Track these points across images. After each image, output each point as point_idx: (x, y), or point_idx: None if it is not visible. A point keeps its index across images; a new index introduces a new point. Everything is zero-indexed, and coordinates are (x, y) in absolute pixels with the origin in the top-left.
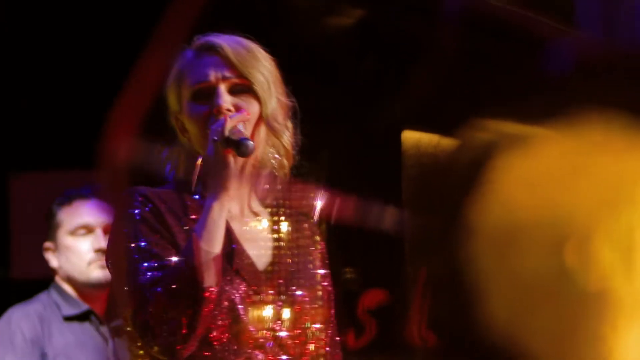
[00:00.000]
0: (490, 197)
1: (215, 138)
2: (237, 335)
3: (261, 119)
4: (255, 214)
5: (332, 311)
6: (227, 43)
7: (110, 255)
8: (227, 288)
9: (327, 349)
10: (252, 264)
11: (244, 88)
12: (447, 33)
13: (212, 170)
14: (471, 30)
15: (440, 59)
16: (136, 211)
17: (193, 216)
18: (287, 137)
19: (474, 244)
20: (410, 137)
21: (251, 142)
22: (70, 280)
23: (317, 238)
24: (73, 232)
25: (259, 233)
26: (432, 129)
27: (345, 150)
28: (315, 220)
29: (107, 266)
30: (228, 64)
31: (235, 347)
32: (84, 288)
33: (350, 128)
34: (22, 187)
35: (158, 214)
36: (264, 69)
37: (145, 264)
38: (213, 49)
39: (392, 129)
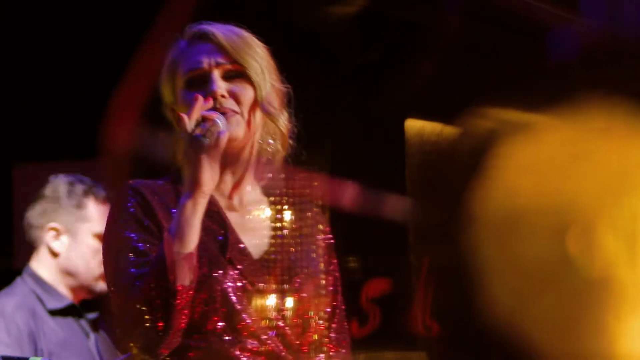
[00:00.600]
0: (492, 184)
1: (182, 135)
2: (232, 325)
3: (256, 103)
4: (256, 203)
5: (340, 297)
6: (220, 30)
7: (104, 248)
8: (220, 278)
9: (332, 335)
10: (247, 254)
11: (237, 74)
12: (450, 21)
13: (185, 168)
14: (474, 19)
15: (443, 47)
16: (126, 205)
17: None
18: (284, 122)
19: (477, 232)
20: (413, 125)
21: (218, 121)
22: (66, 270)
23: (321, 227)
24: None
25: (259, 222)
26: (435, 117)
27: (348, 139)
28: (319, 208)
29: (103, 260)
30: (221, 50)
31: (231, 337)
32: (76, 281)
33: (354, 116)
34: (24, 178)
35: (148, 208)
36: (256, 55)
37: (129, 261)
38: (205, 37)
39: (395, 117)
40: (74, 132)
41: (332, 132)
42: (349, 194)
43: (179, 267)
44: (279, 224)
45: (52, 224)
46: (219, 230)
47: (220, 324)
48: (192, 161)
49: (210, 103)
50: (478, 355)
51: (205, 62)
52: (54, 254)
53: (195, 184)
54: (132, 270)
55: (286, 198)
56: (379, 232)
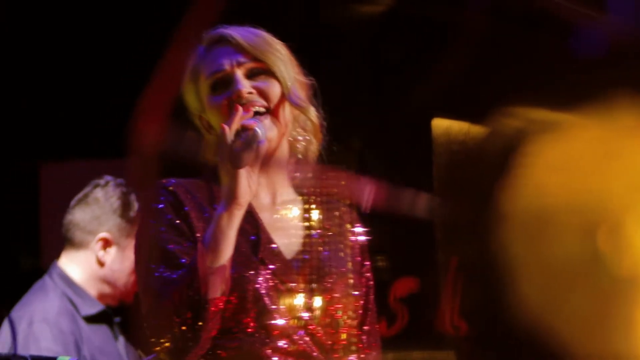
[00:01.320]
0: (521, 183)
1: (221, 147)
2: (263, 325)
3: (283, 97)
4: (287, 202)
5: (372, 298)
6: (237, 32)
7: (135, 248)
8: (252, 278)
9: (364, 336)
10: (279, 253)
11: (260, 70)
12: (477, 20)
13: (222, 178)
14: (500, 17)
15: (469, 46)
16: (158, 205)
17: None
18: (314, 112)
19: (506, 230)
20: (440, 124)
21: (258, 130)
22: (105, 279)
23: (349, 226)
24: None
25: (289, 221)
26: (462, 117)
27: (375, 138)
28: (347, 207)
29: (135, 261)
30: (240, 50)
31: (263, 337)
32: (111, 290)
33: (381, 116)
34: (51, 177)
35: (180, 208)
36: (276, 51)
37: (160, 262)
38: (223, 40)
39: (422, 116)
40: (101, 132)
41: (359, 132)
42: (376, 193)
43: (212, 279)
44: (309, 224)
45: (104, 234)
46: (251, 230)
47: (251, 323)
48: (230, 173)
49: (251, 113)
50: (506, 354)
51: (227, 63)
52: (100, 263)
53: (232, 196)
54: (162, 272)
55: (314, 197)
56: (406, 232)
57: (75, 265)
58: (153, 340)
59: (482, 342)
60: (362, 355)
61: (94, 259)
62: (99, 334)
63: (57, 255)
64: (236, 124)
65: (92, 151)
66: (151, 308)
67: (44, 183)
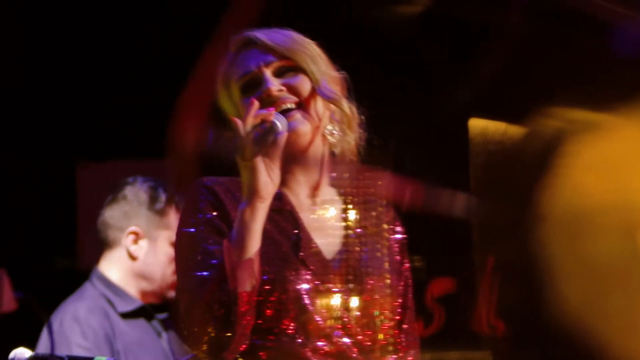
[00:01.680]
0: (560, 183)
1: (237, 141)
2: (303, 325)
3: (314, 91)
4: (325, 202)
5: (411, 298)
6: (262, 33)
7: (175, 247)
8: (292, 278)
9: (403, 336)
10: (319, 253)
11: (288, 68)
12: (514, 19)
13: (241, 175)
14: (539, 16)
15: (507, 46)
16: (198, 204)
17: None
18: (347, 104)
19: (545, 230)
20: (477, 124)
21: (277, 122)
22: (141, 274)
23: (386, 226)
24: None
25: (328, 221)
26: (499, 117)
27: (412, 138)
28: (384, 207)
29: (175, 259)
30: (267, 50)
31: (302, 337)
32: (149, 285)
33: (417, 116)
34: (88, 177)
35: (220, 207)
36: (303, 48)
37: (197, 262)
38: (249, 42)
39: (458, 116)
40: (138, 132)
41: (395, 132)
42: (413, 193)
43: (239, 273)
44: (347, 224)
45: (133, 228)
46: (291, 229)
47: (291, 324)
48: (247, 167)
49: (272, 111)
50: (544, 354)
51: (254, 64)
52: (132, 257)
53: (252, 190)
54: (199, 272)
55: (352, 197)
56: (443, 232)
57: (112, 265)
58: (190, 339)
59: (519, 342)
60: (401, 354)
61: (127, 255)
62: (137, 330)
63: (93, 256)
64: (251, 118)
65: (129, 151)
66: (188, 307)
67: (81, 183)
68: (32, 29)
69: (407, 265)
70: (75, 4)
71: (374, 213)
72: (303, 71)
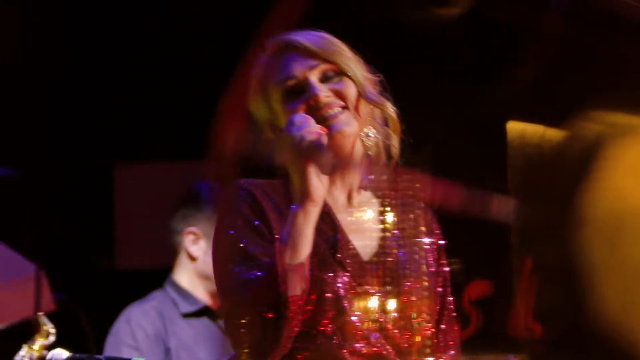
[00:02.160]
0: (601, 186)
1: (289, 148)
2: (341, 327)
3: (359, 95)
4: (363, 204)
5: (449, 299)
6: (301, 37)
7: (213, 249)
8: (330, 280)
9: (441, 336)
10: (356, 255)
11: (333, 72)
12: (554, 22)
13: (294, 178)
14: (579, 18)
15: (547, 48)
16: (237, 205)
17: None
18: (390, 106)
19: (585, 233)
20: (515, 127)
21: (323, 143)
22: (203, 274)
23: (424, 228)
24: None
25: (365, 223)
26: (537, 120)
27: (449, 141)
28: (422, 210)
29: (213, 261)
30: (310, 54)
31: (340, 339)
32: (213, 285)
33: (455, 118)
34: (126, 179)
35: (258, 209)
36: (344, 51)
37: (238, 263)
38: (290, 46)
39: (496, 119)
40: (175, 134)
41: (433, 134)
42: (450, 195)
43: (291, 277)
44: (384, 226)
45: (191, 228)
46: (329, 231)
47: (329, 325)
48: (300, 172)
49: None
50: (581, 357)
51: (298, 70)
52: (192, 258)
53: (305, 194)
54: (241, 273)
55: (389, 199)
56: (480, 234)
57: (180, 269)
58: (234, 341)
59: (557, 346)
60: (439, 355)
61: (187, 256)
62: (196, 328)
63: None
64: (302, 129)
65: (166, 153)
66: (231, 309)
67: (118, 185)
68: (74, 32)
69: (446, 267)
70: (115, 5)
71: (411, 215)
72: (347, 75)
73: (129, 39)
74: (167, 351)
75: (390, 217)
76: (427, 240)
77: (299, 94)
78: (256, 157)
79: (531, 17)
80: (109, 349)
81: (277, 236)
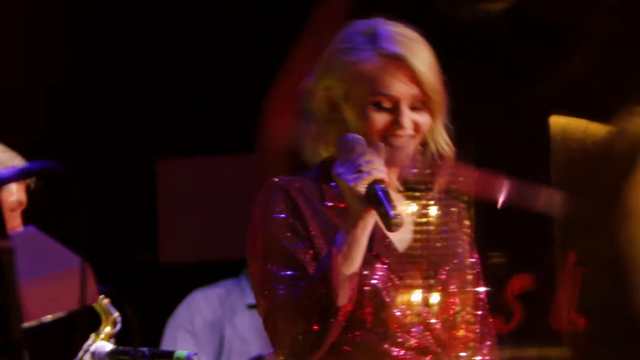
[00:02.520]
0: None
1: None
2: (382, 320)
3: (432, 126)
4: (404, 197)
5: (483, 292)
6: (415, 56)
7: (250, 248)
8: (367, 273)
9: (477, 329)
10: (393, 249)
11: (421, 104)
12: (599, 16)
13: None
14: (624, 13)
15: (591, 43)
16: (273, 204)
17: (329, 203)
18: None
19: (631, 227)
20: (558, 122)
21: (399, 220)
22: None
23: (466, 222)
24: None
25: (405, 216)
26: (580, 114)
27: (492, 135)
28: (465, 204)
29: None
30: (416, 82)
31: (380, 332)
32: None
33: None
34: (169, 173)
35: (294, 207)
36: (438, 75)
37: (277, 264)
38: (402, 60)
39: (539, 113)
40: (217, 128)
41: (476, 128)
42: (493, 189)
43: (343, 286)
44: (424, 219)
45: None
46: None
47: (369, 319)
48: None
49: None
50: (626, 352)
51: (399, 92)
52: None
53: (361, 215)
54: (278, 272)
55: (431, 192)
56: (523, 228)
57: None
58: (273, 341)
59: (600, 339)
60: (477, 346)
61: None
62: (257, 321)
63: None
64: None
65: (209, 148)
66: (271, 310)
67: (161, 180)
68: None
69: (477, 259)
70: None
71: (454, 209)
72: (431, 110)
73: (175, 33)
74: (221, 339)
75: (432, 210)
76: (468, 233)
77: (386, 107)
78: (303, 150)
79: (575, 12)
80: (168, 331)
81: (313, 233)
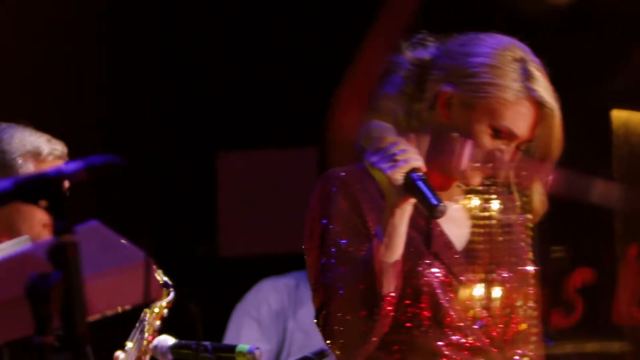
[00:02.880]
0: None
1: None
2: (436, 319)
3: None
4: (461, 193)
5: (538, 289)
6: (555, 107)
7: (306, 241)
8: (425, 271)
9: (539, 326)
10: (451, 246)
11: (525, 146)
12: None
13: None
14: None
15: None
16: (331, 197)
17: None
18: None
19: None
20: (619, 116)
21: (443, 206)
22: None
23: (529, 216)
24: None
25: (463, 212)
26: None
27: None
28: (527, 197)
29: (305, 251)
30: (536, 126)
31: (435, 331)
32: None
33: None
34: (229, 166)
35: (353, 200)
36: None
37: (332, 258)
38: (549, 110)
39: (601, 108)
40: (278, 121)
41: None
42: (556, 182)
43: (387, 274)
44: (484, 214)
45: None
46: (422, 221)
47: (425, 317)
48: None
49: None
50: None
51: (523, 133)
52: None
53: (400, 202)
54: (334, 266)
55: (490, 187)
56: (585, 221)
57: None
58: (325, 335)
59: None
60: (537, 344)
61: None
62: None
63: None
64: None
65: (270, 140)
66: (324, 303)
67: (221, 172)
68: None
69: (533, 255)
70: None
71: (514, 204)
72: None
73: (243, 24)
74: (284, 330)
75: (491, 205)
76: (524, 228)
77: (500, 136)
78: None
79: (638, 4)
80: (234, 317)
81: (371, 227)
